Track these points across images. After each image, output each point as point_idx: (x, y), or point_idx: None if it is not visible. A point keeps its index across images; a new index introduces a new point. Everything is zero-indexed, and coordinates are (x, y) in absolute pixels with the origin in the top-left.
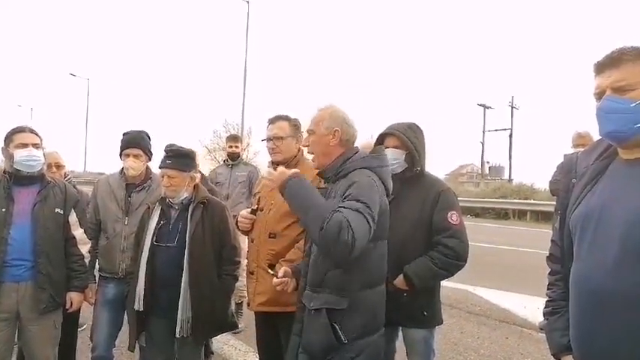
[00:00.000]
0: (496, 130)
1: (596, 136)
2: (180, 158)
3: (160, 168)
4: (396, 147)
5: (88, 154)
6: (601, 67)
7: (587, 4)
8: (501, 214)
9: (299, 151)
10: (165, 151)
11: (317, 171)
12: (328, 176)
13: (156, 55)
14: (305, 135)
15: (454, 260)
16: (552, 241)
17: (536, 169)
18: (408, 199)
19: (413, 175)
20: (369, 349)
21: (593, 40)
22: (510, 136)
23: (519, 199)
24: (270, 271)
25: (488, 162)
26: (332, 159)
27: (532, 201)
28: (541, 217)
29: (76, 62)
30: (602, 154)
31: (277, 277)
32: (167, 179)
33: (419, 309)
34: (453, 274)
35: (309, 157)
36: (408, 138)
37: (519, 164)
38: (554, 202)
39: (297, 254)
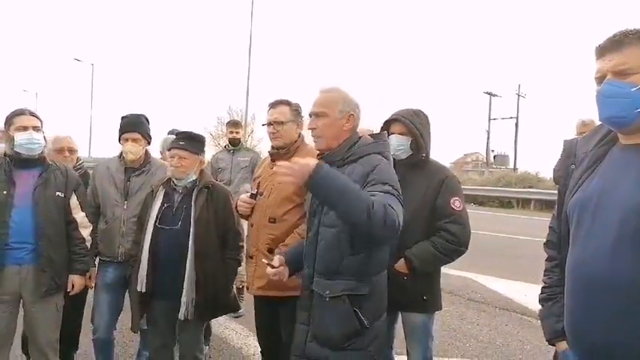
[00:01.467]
0: (502, 119)
1: None
2: (192, 141)
3: (170, 149)
4: (401, 133)
5: (93, 140)
6: (602, 51)
7: None
8: (505, 203)
9: (299, 136)
10: (176, 134)
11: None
12: (333, 160)
13: (160, 41)
14: (308, 118)
15: (455, 246)
16: (550, 227)
17: (541, 158)
18: (413, 185)
19: (418, 161)
20: (380, 332)
21: (600, 30)
22: (516, 124)
23: (523, 187)
24: (268, 256)
25: (493, 150)
26: (339, 143)
27: (535, 189)
28: (545, 205)
29: (81, 47)
30: (602, 140)
31: (273, 267)
32: (178, 160)
33: (419, 293)
34: (453, 260)
35: (310, 142)
36: (413, 124)
37: (525, 153)
38: None
39: (296, 239)
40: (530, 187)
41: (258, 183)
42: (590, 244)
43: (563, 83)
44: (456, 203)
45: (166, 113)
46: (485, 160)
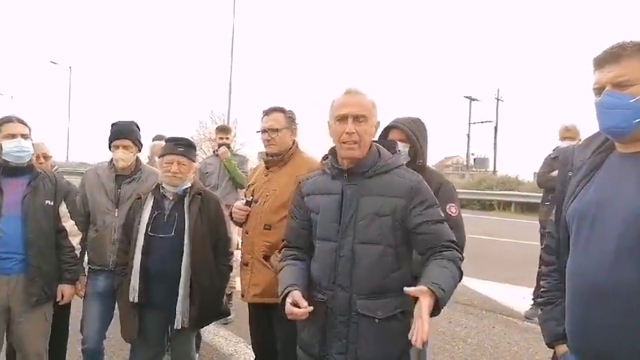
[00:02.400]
0: (482, 122)
1: (582, 130)
2: (188, 147)
3: (167, 155)
4: (400, 140)
5: (71, 144)
6: (601, 62)
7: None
8: (486, 206)
9: (294, 143)
10: (171, 139)
11: (312, 165)
12: (361, 171)
13: (140, 44)
14: (297, 126)
15: None
16: (548, 232)
17: (520, 161)
18: None
19: (415, 167)
20: None
21: (577, 36)
22: (495, 128)
23: (504, 190)
24: (264, 263)
25: (473, 154)
26: (366, 152)
27: (516, 192)
28: (525, 208)
29: (58, 50)
30: (599, 148)
31: (271, 268)
32: (177, 165)
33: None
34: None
35: (304, 149)
36: (412, 132)
37: (504, 156)
38: (540, 194)
39: None
40: (510, 189)
41: (253, 190)
42: (590, 252)
43: (540, 88)
44: (452, 209)
45: (146, 117)
46: (465, 163)
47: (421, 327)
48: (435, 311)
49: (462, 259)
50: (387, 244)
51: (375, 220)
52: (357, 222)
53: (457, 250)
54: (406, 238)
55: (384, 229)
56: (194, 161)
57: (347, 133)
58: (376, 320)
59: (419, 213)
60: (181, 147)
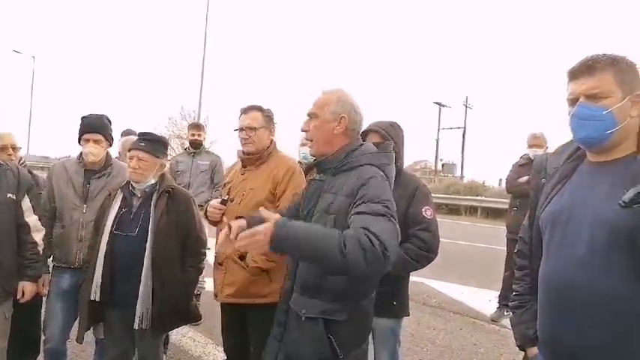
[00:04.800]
0: (450, 129)
1: (549, 138)
2: (153, 143)
3: (130, 150)
4: (378, 144)
5: (32, 137)
6: (575, 74)
7: (541, 9)
8: (453, 210)
9: (271, 142)
10: (138, 134)
11: (290, 164)
12: (327, 168)
13: (109, 36)
14: (275, 125)
15: (426, 252)
16: (520, 237)
17: (486, 167)
18: None
19: None
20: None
21: (545, 46)
22: (463, 134)
23: (471, 195)
24: (238, 262)
25: (441, 159)
26: (334, 149)
27: (482, 198)
28: (491, 213)
29: (21, 39)
30: (571, 156)
31: (246, 268)
32: (136, 161)
33: (389, 299)
34: (423, 266)
35: (282, 149)
36: (390, 135)
37: (471, 162)
38: (505, 200)
39: None
40: (477, 195)
41: (229, 188)
42: (562, 256)
43: (507, 96)
44: (428, 212)
45: (114, 111)
46: (433, 168)
47: (242, 235)
48: (270, 249)
49: (369, 242)
50: None
51: (322, 218)
52: (311, 218)
53: (368, 235)
54: None
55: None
56: (158, 157)
57: (301, 130)
58: (302, 318)
59: (352, 209)
60: (142, 142)
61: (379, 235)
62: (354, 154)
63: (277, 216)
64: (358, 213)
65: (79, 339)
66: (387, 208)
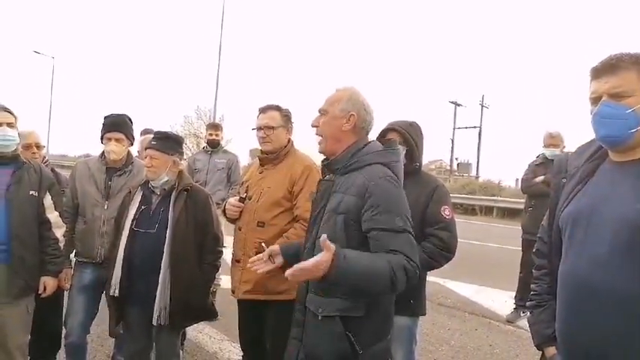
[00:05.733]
0: (466, 128)
1: (566, 137)
2: (165, 141)
3: (145, 149)
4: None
5: (51, 137)
6: (598, 73)
7: (558, 7)
8: (469, 210)
9: (289, 141)
10: (155, 133)
11: (307, 163)
12: (336, 167)
13: (127, 37)
14: (293, 124)
15: (444, 252)
16: (539, 237)
17: (502, 167)
18: (406, 193)
19: (411, 170)
20: (379, 356)
21: (562, 44)
22: (479, 133)
23: (486, 195)
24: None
25: (457, 158)
26: (343, 147)
27: (498, 197)
28: (507, 213)
29: (41, 40)
30: (593, 156)
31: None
32: (149, 159)
33: (407, 297)
34: (441, 265)
35: (300, 148)
36: (409, 134)
37: (486, 161)
38: (522, 200)
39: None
40: (492, 195)
41: (247, 187)
42: (584, 256)
43: (524, 95)
44: (446, 211)
45: (131, 111)
46: (448, 168)
47: (299, 267)
48: (323, 280)
49: (412, 268)
50: (340, 244)
51: (332, 218)
52: (322, 217)
53: (408, 260)
54: (363, 240)
55: (337, 228)
56: (169, 154)
57: (312, 125)
58: (319, 317)
59: (369, 218)
60: (154, 141)
61: (413, 257)
62: (360, 153)
63: (334, 247)
64: (382, 230)
65: (112, 333)
66: (406, 220)
